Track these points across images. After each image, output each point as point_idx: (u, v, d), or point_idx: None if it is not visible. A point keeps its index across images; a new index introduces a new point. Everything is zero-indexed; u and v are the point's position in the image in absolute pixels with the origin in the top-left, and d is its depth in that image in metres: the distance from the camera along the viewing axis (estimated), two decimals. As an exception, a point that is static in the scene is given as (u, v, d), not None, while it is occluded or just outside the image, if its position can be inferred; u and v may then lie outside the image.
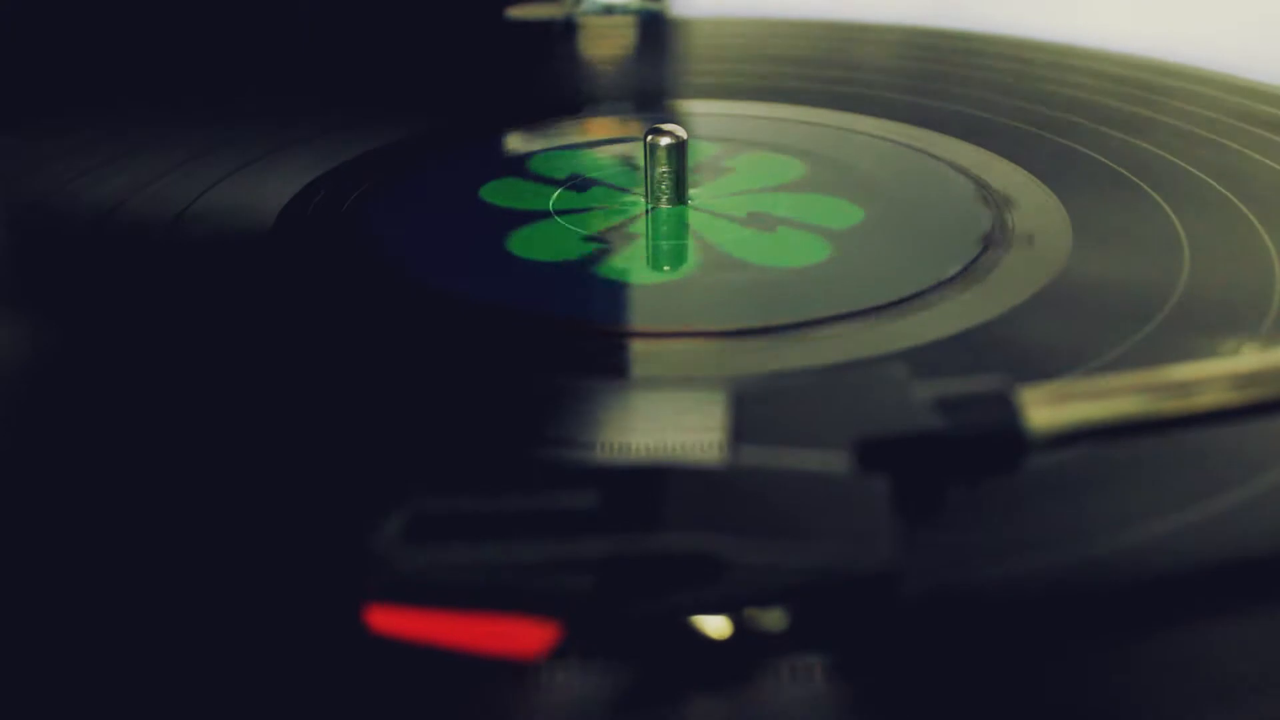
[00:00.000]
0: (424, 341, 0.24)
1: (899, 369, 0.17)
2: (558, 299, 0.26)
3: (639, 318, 0.25)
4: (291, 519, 0.18)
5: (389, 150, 0.35)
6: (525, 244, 0.28)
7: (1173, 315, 0.24)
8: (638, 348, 0.24)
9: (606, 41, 0.51)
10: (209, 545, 0.17)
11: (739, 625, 0.15)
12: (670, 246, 0.29)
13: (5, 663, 0.15)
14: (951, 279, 0.26)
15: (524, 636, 0.14)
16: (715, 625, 0.15)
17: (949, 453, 0.16)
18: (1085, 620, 0.16)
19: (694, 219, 0.30)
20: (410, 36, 0.50)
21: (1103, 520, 0.18)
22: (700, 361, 0.23)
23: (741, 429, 0.16)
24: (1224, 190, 0.30)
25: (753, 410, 0.16)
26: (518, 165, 0.34)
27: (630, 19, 0.53)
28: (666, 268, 0.28)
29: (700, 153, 0.34)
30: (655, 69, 0.48)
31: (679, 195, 0.30)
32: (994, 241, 0.27)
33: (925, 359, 0.22)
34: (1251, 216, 0.28)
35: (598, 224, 0.29)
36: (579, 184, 0.32)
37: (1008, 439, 0.16)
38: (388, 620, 0.14)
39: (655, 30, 0.52)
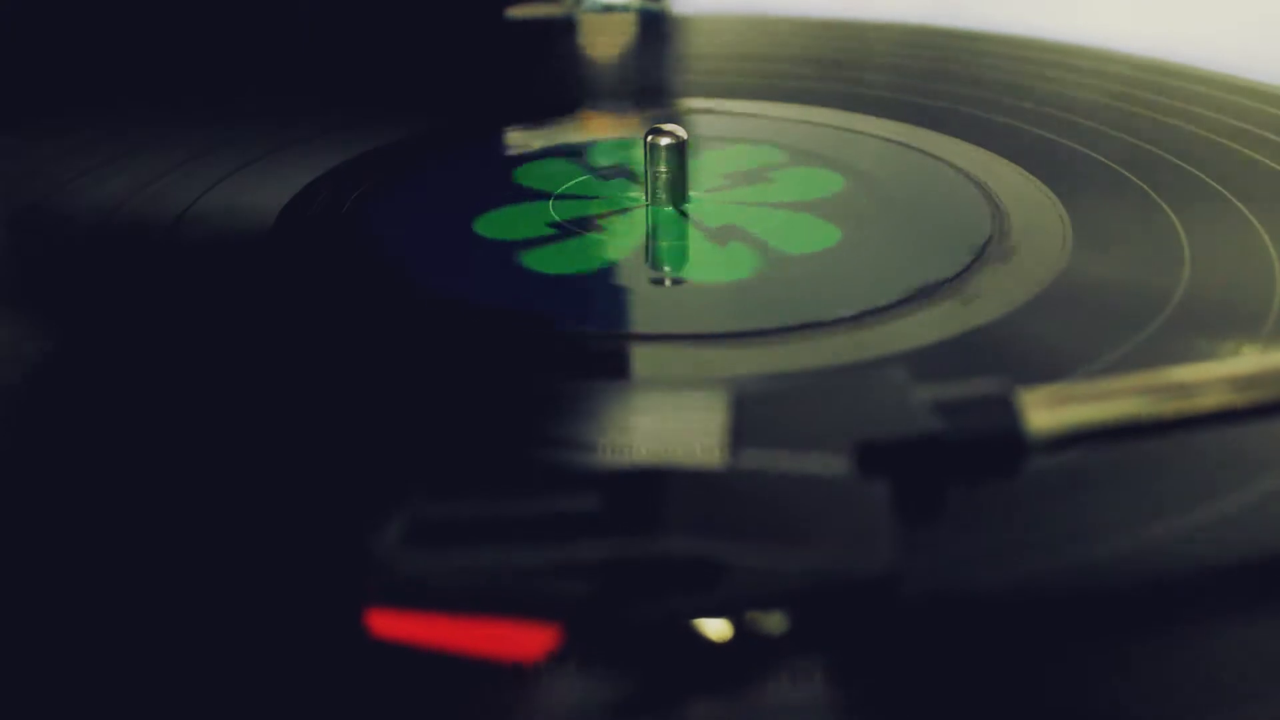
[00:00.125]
0: (424, 343, 0.24)
1: (899, 372, 0.17)
2: (558, 300, 0.26)
3: (639, 319, 0.25)
4: (292, 522, 0.18)
5: (389, 150, 0.35)
6: (530, 252, 0.28)
7: (1173, 316, 0.24)
8: (637, 349, 0.24)
9: (606, 39, 0.51)
10: (210, 548, 0.17)
11: (739, 628, 0.15)
12: (669, 247, 0.29)
13: (5, 663, 0.15)
14: (951, 280, 0.26)
15: (524, 640, 0.14)
16: (715, 628, 0.15)
17: (949, 456, 0.16)
18: (1085, 622, 0.16)
19: (694, 217, 0.30)
20: (410, 36, 0.50)
21: (1103, 522, 0.18)
22: (700, 363, 0.23)
23: (741, 432, 0.16)
24: (1224, 191, 0.30)
25: (752, 413, 0.16)
26: (517, 165, 0.34)
27: (630, 16, 0.53)
28: (667, 268, 0.28)
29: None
30: (655, 66, 0.48)
31: (680, 194, 0.30)
32: (994, 242, 0.27)
33: (925, 361, 0.22)
34: (1251, 217, 0.28)
35: (602, 224, 0.30)
36: (578, 184, 0.32)
37: (1008, 442, 0.16)
38: (388, 624, 0.14)
39: (656, 27, 0.52)
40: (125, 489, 0.19)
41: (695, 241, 0.29)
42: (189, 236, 0.29)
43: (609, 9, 0.53)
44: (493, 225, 0.30)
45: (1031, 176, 0.32)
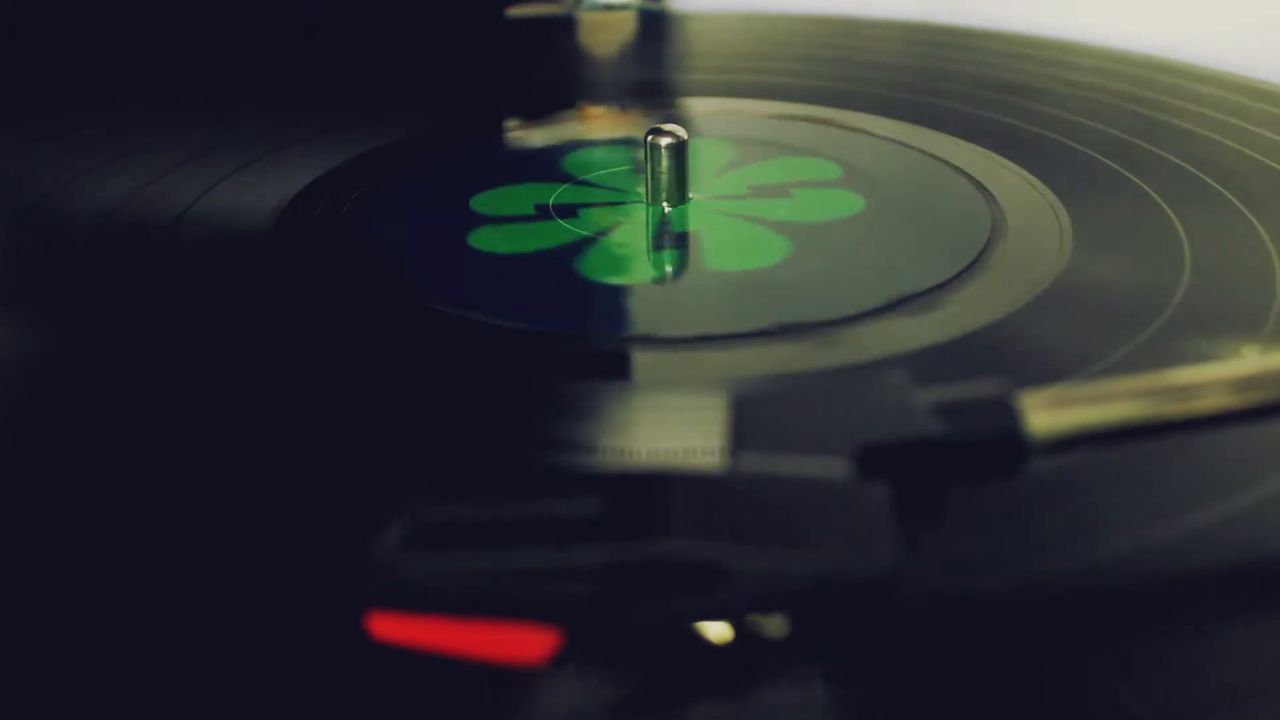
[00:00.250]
0: (424, 345, 0.24)
1: (898, 374, 0.17)
2: (558, 301, 0.26)
3: (639, 321, 0.25)
4: (293, 525, 0.18)
5: (389, 150, 0.35)
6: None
7: (1173, 317, 0.24)
8: (637, 351, 0.24)
9: (606, 37, 0.51)
10: (211, 550, 0.17)
11: (740, 631, 0.15)
12: (670, 247, 0.29)
13: (5, 664, 0.15)
14: (950, 281, 0.26)
15: (525, 643, 0.14)
16: (716, 631, 0.15)
17: (949, 458, 0.16)
18: (1086, 624, 0.16)
19: (694, 218, 0.30)
20: (410, 36, 0.50)
21: (1103, 524, 0.18)
22: (699, 366, 0.23)
23: (741, 435, 0.16)
24: (1225, 191, 0.30)
25: (753, 416, 0.16)
26: (516, 165, 0.34)
27: (630, 15, 0.53)
28: (668, 269, 0.28)
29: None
30: (655, 64, 0.48)
31: (681, 194, 0.30)
32: (993, 242, 0.27)
33: (925, 362, 0.22)
34: (1252, 217, 0.28)
35: (602, 224, 0.30)
36: (577, 184, 0.32)
37: (1008, 444, 0.16)
38: (389, 627, 0.14)
39: (655, 25, 0.52)
40: (126, 490, 0.19)
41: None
42: (189, 237, 0.29)
43: (609, 7, 0.53)
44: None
45: (1031, 176, 0.32)
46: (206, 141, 0.35)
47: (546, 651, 0.14)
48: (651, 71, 0.47)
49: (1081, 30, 0.46)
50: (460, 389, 0.22)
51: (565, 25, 0.52)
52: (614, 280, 0.26)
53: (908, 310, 0.24)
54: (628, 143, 0.36)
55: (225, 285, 0.27)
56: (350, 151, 0.34)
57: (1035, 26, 0.47)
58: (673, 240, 0.29)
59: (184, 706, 0.15)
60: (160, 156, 0.34)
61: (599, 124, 0.38)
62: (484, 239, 0.29)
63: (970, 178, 0.32)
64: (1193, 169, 0.32)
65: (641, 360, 0.23)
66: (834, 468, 0.15)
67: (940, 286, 0.25)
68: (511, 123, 0.38)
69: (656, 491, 0.15)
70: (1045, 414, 0.16)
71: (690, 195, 0.31)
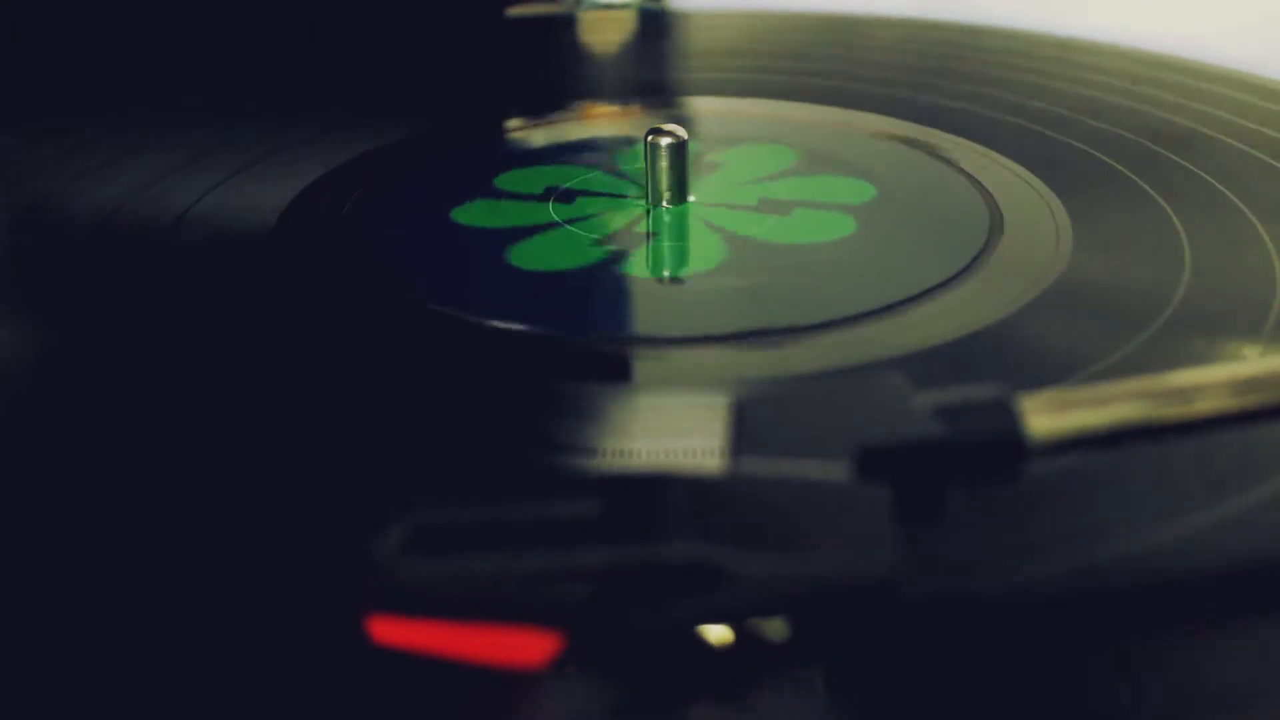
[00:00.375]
0: (425, 347, 0.24)
1: (898, 376, 0.17)
2: (558, 302, 0.26)
3: (638, 322, 0.25)
4: (294, 528, 0.18)
5: (390, 150, 0.35)
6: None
7: (1174, 318, 0.24)
8: (636, 354, 0.24)
9: (606, 37, 0.51)
10: (211, 553, 0.17)
11: (740, 635, 0.15)
12: (673, 247, 0.29)
13: (5, 664, 0.15)
14: (950, 281, 0.26)
15: (526, 647, 0.14)
16: (717, 635, 0.15)
17: (949, 461, 0.16)
18: (1087, 626, 0.16)
19: (694, 218, 0.30)
20: (410, 35, 0.50)
21: (1103, 525, 0.18)
22: (697, 367, 0.23)
23: (741, 438, 0.16)
24: (1225, 190, 0.30)
25: (752, 419, 0.16)
26: (517, 163, 0.34)
27: (630, 13, 0.53)
28: (668, 270, 0.28)
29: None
30: (655, 64, 0.48)
31: (681, 194, 0.30)
32: (992, 242, 0.27)
33: (924, 363, 0.22)
34: (1252, 216, 0.28)
35: (603, 228, 0.29)
36: (578, 183, 0.32)
37: (1008, 447, 0.16)
38: (389, 630, 0.14)
39: (655, 24, 0.52)
40: (125, 492, 0.19)
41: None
42: (189, 237, 0.29)
43: (609, 6, 0.53)
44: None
45: (1030, 175, 0.32)
46: (207, 142, 0.35)
47: (547, 655, 0.14)
48: (652, 70, 0.47)
49: (1082, 27, 0.46)
50: (460, 391, 0.22)
51: (565, 24, 0.52)
52: (610, 280, 0.26)
53: (906, 311, 0.24)
54: (627, 142, 0.36)
55: (226, 286, 0.27)
56: (351, 152, 0.34)
57: (1036, 23, 0.47)
58: (672, 240, 0.29)
59: (185, 709, 0.15)
60: (161, 157, 0.34)
61: (599, 123, 0.38)
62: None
63: (970, 176, 0.32)
64: (1194, 168, 0.32)
65: (642, 361, 0.23)
66: (834, 470, 0.15)
67: (939, 287, 0.25)
68: (512, 122, 0.38)
69: (656, 494, 0.15)
70: (1045, 416, 0.16)
71: (690, 196, 0.31)
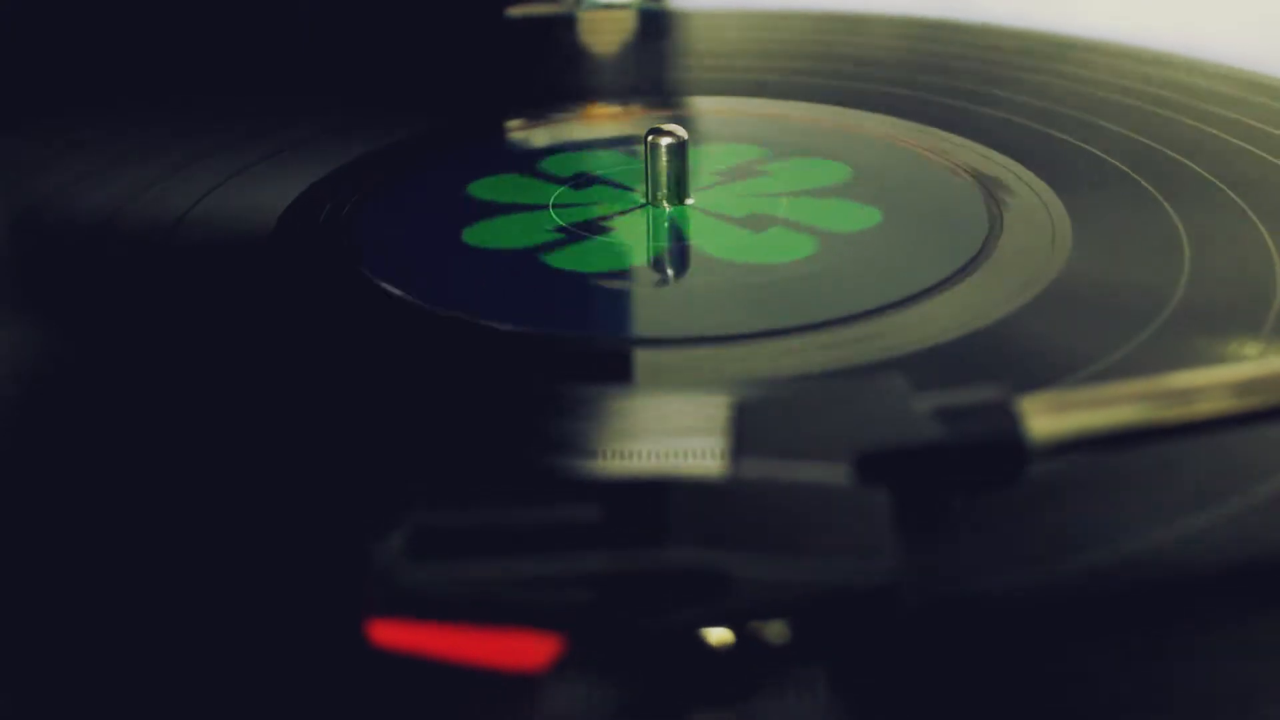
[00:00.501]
0: (425, 349, 0.24)
1: (899, 379, 0.17)
2: (558, 304, 0.26)
3: (638, 322, 0.25)
4: (293, 531, 0.18)
5: (390, 151, 0.35)
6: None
7: (1173, 316, 0.24)
8: (637, 354, 0.24)
9: (606, 37, 0.51)
10: (211, 555, 0.17)
11: (741, 638, 0.15)
12: (670, 247, 0.29)
13: (6, 666, 0.15)
14: (949, 280, 0.26)
15: (526, 650, 0.14)
16: (717, 637, 0.15)
17: (950, 463, 0.16)
18: (1088, 628, 0.16)
19: (694, 218, 0.30)
20: (410, 35, 0.50)
21: (1104, 525, 0.18)
22: (698, 367, 0.23)
23: (742, 441, 0.16)
24: (1226, 188, 0.30)
25: (752, 422, 0.16)
26: (517, 164, 0.34)
27: (630, 13, 0.53)
28: (667, 269, 0.28)
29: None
30: (656, 63, 0.48)
31: (680, 194, 0.30)
32: (992, 241, 0.27)
33: (924, 363, 0.22)
34: (1252, 214, 0.28)
35: (601, 223, 0.30)
36: (578, 183, 0.32)
37: (1009, 449, 0.16)
38: (390, 634, 0.14)
39: (655, 24, 0.52)
40: (125, 494, 0.19)
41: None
42: (189, 239, 0.29)
43: (609, 6, 0.53)
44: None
45: (1030, 173, 0.32)
46: (207, 143, 0.35)
47: (547, 658, 0.14)
48: (652, 70, 0.47)
49: (1082, 25, 0.46)
50: (460, 393, 0.22)
51: (566, 24, 0.52)
52: (613, 281, 0.26)
53: (906, 310, 0.24)
54: (628, 141, 0.35)
55: (226, 288, 0.27)
56: (351, 153, 0.34)
57: (1036, 22, 0.47)
58: (670, 240, 0.29)
59: (186, 711, 0.15)
60: (160, 158, 0.34)
61: (599, 123, 0.38)
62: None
63: (969, 175, 0.32)
64: (1194, 166, 0.32)
65: (641, 362, 0.23)
66: (835, 473, 0.15)
67: (938, 286, 0.25)
68: (512, 122, 0.38)
69: (657, 497, 0.15)
70: (1046, 418, 0.16)
71: (691, 196, 0.31)
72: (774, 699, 0.15)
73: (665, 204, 0.30)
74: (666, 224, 0.30)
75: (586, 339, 0.24)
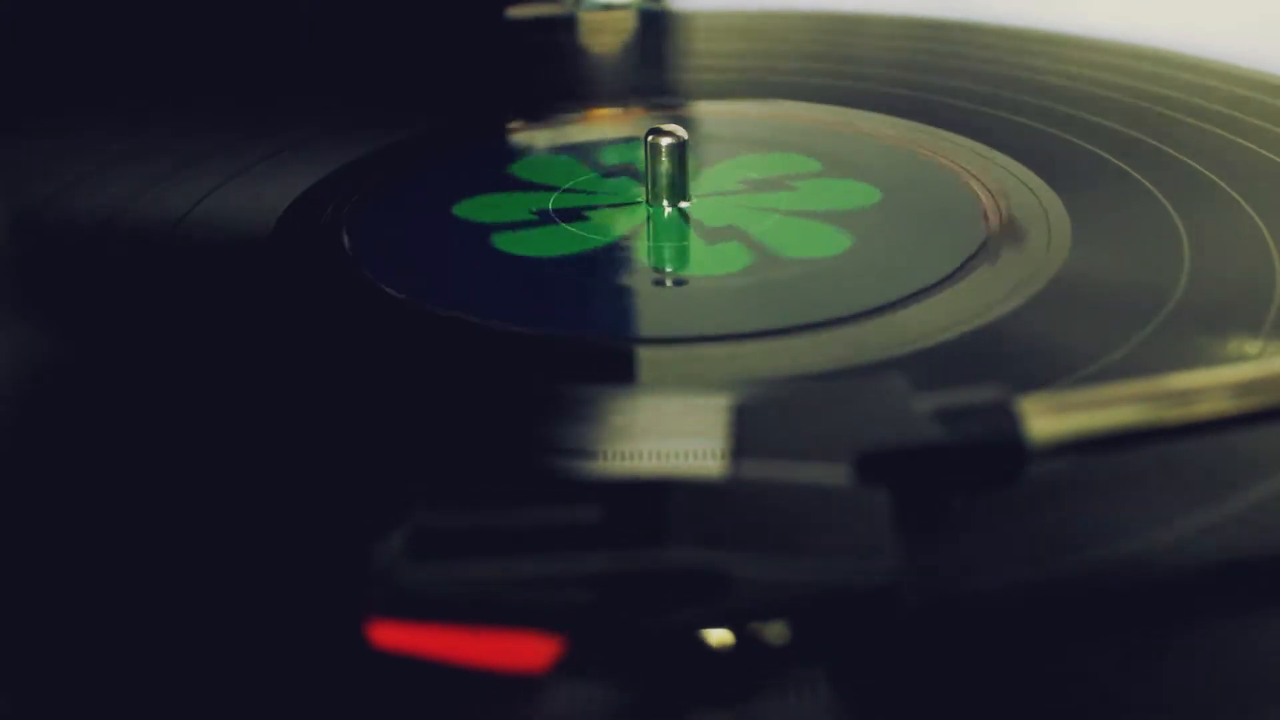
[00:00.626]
0: (424, 350, 0.24)
1: (899, 380, 0.17)
2: (559, 305, 0.26)
3: (641, 324, 0.25)
4: (294, 532, 0.18)
5: (389, 151, 0.35)
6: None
7: (1173, 315, 0.24)
8: (637, 355, 0.24)
9: (606, 38, 0.51)
10: (211, 557, 0.17)
11: (742, 639, 0.15)
12: (672, 247, 0.29)
13: (7, 666, 0.15)
14: (949, 279, 0.26)
15: (527, 651, 0.14)
16: (718, 638, 0.15)
17: (950, 464, 0.16)
18: (1089, 629, 0.16)
19: (694, 219, 0.30)
20: (410, 36, 0.50)
21: (1103, 525, 0.18)
22: (697, 368, 0.23)
23: (742, 442, 0.16)
24: (1225, 185, 0.30)
25: (753, 423, 0.16)
26: (517, 165, 0.34)
27: (630, 14, 0.53)
28: (669, 269, 0.28)
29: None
30: (656, 64, 0.48)
31: (681, 194, 0.30)
32: (991, 240, 0.27)
33: (923, 362, 0.22)
34: (1252, 212, 0.28)
35: (606, 224, 0.30)
36: (578, 184, 0.32)
37: (1009, 450, 0.16)
38: (390, 635, 0.14)
39: (656, 25, 0.52)
40: (125, 494, 0.19)
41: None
42: (189, 240, 0.29)
43: (609, 7, 0.53)
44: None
45: (1030, 172, 0.32)
46: (207, 144, 0.35)
47: (548, 659, 0.14)
48: (652, 71, 0.47)
49: (1080, 23, 0.46)
50: (460, 393, 0.22)
51: (566, 25, 0.51)
52: (613, 281, 0.26)
53: (906, 309, 0.24)
54: (628, 142, 0.35)
55: (225, 289, 0.27)
56: (350, 154, 0.34)
57: (1035, 21, 0.47)
58: (671, 240, 0.29)
59: (187, 711, 0.15)
60: (160, 159, 0.34)
61: (599, 124, 0.38)
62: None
63: (968, 174, 0.32)
64: (1194, 163, 0.32)
65: (641, 363, 0.23)
66: (835, 474, 0.15)
67: (938, 284, 0.25)
68: (512, 123, 0.38)
69: (657, 498, 0.15)
70: (1046, 419, 0.16)
71: (691, 196, 0.31)
72: (774, 700, 0.15)
73: (666, 204, 0.30)
74: (649, 224, 0.30)
75: (586, 339, 0.24)
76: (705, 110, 0.39)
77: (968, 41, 0.46)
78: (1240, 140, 0.33)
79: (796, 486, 0.15)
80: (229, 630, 0.16)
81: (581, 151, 0.35)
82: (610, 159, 0.34)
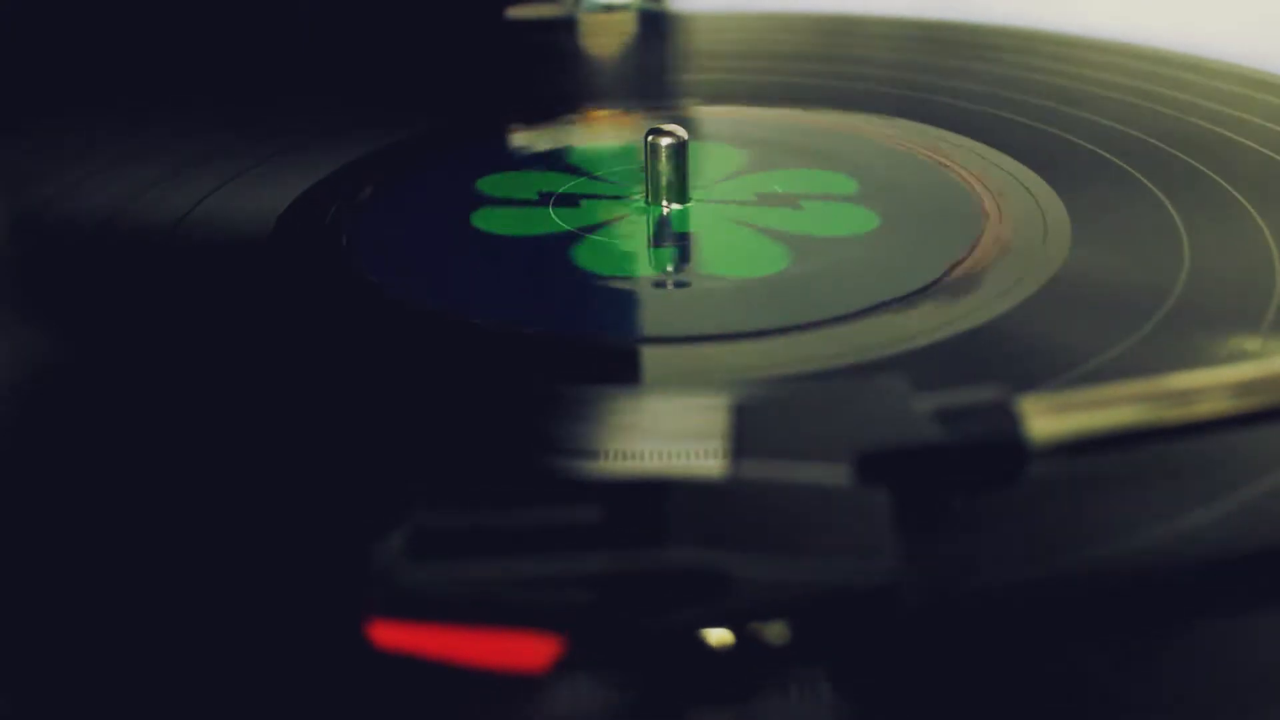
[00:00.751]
0: (424, 350, 0.24)
1: (899, 380, 0.17)
2: (559, 304, 0.26)
3: (638, 322, 0.25)
4: (294, 532, 0.18)
5: (389, 152, 0.35)
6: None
7: (1172, 313, 0.24)
8: (636, 354, 0.24)
9: (607, 39, 0.51)
10: (212, 557, 0.17)
11: (742, 639, 0.15)
12: (671, 247, 0.29)
13: (7, 667, 0.15)
14: (948, 277, 0.26)
15: (527, 650, 0.14)
16: (718, 638, 0.15)
17: (950, 464, 0.16)
18: (1089, 627, 0.16)
19: (694, 219, 0.30)
20: (409, 37, 0.50)
21: (1103, 525, 0.18)
22: (697, 366, 0.23)
23: (742, 442, 0.16)
24: (1225, 184, 0.30)
25: (753, 423, 0.16)
26: (517, 166, 0.34)
27: (630, 15, 0.53)
28: (669, 268, 0.28)
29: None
30: (656, 65, 0.48)
31: (681, 194, 0.30)
32: (992, 239, 0.27)
33: (923, 360, 0.22)
34: (1252, 210, 0.28)
35: (615, 225, 0.30)
36: (578, 184, 0.32)
37: (1009, 450, 0.16)
38: (391, 635, 0.14)
39: (656, 26, 0.52)
40: (125, 495, 0.19)
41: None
42: (189, 241, 0.29)
43: (609, 8, 0.53)
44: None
45: (1029, 171, 0.32)
46: (206, 145, 0.35)
47: (548, 659, 0.14)
48: (652, 72, 0.47)
49: (1080, 23, 0.46)
50: (460, 393, 0.22)
51: (565, 26, 0.52)
52: (611, 280, 0.26)
53: (905, 307, 0.24)
54: (628, 143, 0.36)
55: (225, 290, 0.27)
56: (350, 154, 0.34)
57: (1034, 21, 0.47)
58: (672, 241, 0.29)
59: (186, 712, 0.15)
60: (160, 160, 0.34)
61: (600, 125, 0.38)
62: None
63: (968, 173, 0.32)
64: (1193, 162, 0.32)
65: (641, 363, 0.23)
66: (835, 474, 0.15)
67: (937, 283, 0.25)
68: (512, 124, 0.38)
69: (657, 498, 0.15)
70: (1045, 418, 0.16)
71: (691, 196, 0.31)
72: (774, 700, 0.15)
73: (666, 205, 0.30)
74: (668, 225, 0.30)
75: (587, 338, 0.24)
76: (704, 112, 0.39)
77: (966, 42, 0.46)
78: (1240, 140, 0.33)
79: (796, 486, 0.15)
80: (229, 630, 0.16)
81: (578, 154, 0.35)
82: (597, 166, 0.34)
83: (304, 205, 0.31)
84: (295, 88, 0.43)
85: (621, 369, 0.23)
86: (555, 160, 0.34)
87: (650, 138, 0.30)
